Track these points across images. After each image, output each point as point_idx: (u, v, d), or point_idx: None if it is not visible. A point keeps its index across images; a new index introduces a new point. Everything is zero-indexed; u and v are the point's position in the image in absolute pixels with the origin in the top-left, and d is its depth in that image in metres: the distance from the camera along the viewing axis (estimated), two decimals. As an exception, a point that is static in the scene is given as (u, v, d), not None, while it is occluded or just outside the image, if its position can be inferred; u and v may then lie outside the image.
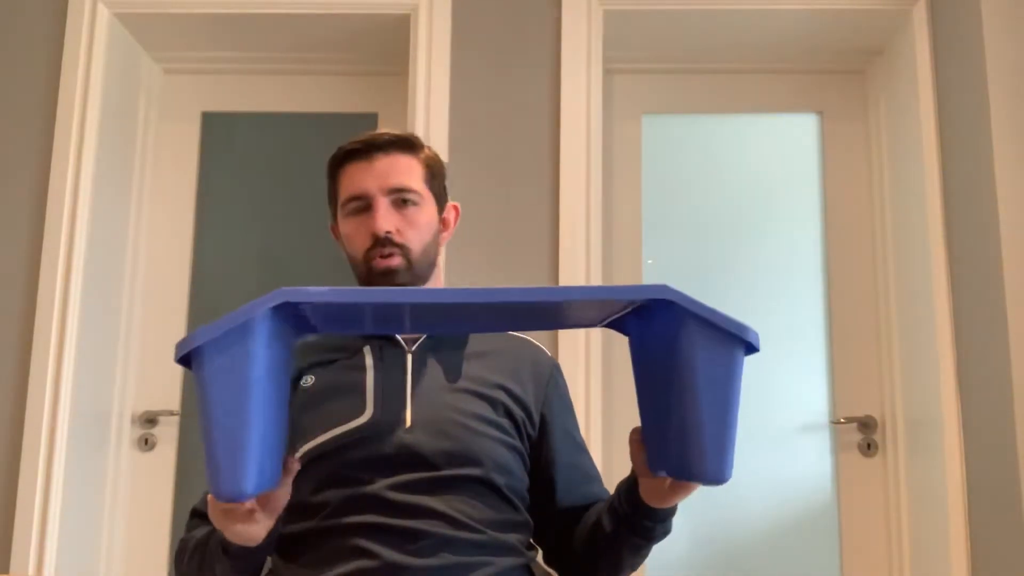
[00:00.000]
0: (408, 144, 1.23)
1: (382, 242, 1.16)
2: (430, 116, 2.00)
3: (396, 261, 1.16)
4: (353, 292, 0.79)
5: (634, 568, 1.12)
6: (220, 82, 2.33)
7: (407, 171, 1.20)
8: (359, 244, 1.18)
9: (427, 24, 2.04)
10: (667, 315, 0.78)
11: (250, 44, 2.23)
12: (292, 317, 0.81)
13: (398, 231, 1.17)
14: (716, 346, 0.76)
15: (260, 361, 0.73)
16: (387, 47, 2.21)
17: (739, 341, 0.75)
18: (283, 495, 0.92)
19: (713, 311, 0.74)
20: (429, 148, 1.26)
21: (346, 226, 1.21)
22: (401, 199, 1.19)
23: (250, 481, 0.75)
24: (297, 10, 2.07)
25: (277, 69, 2.31)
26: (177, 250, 2.27)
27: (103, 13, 2.07)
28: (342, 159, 1.21)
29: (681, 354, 0.79)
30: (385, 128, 1.25)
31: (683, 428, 0.83)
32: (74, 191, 2.00)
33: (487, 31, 2.07)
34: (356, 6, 2.08)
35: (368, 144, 1.20)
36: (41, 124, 2.03)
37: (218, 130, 2.34)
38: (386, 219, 1.17)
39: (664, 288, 0.72)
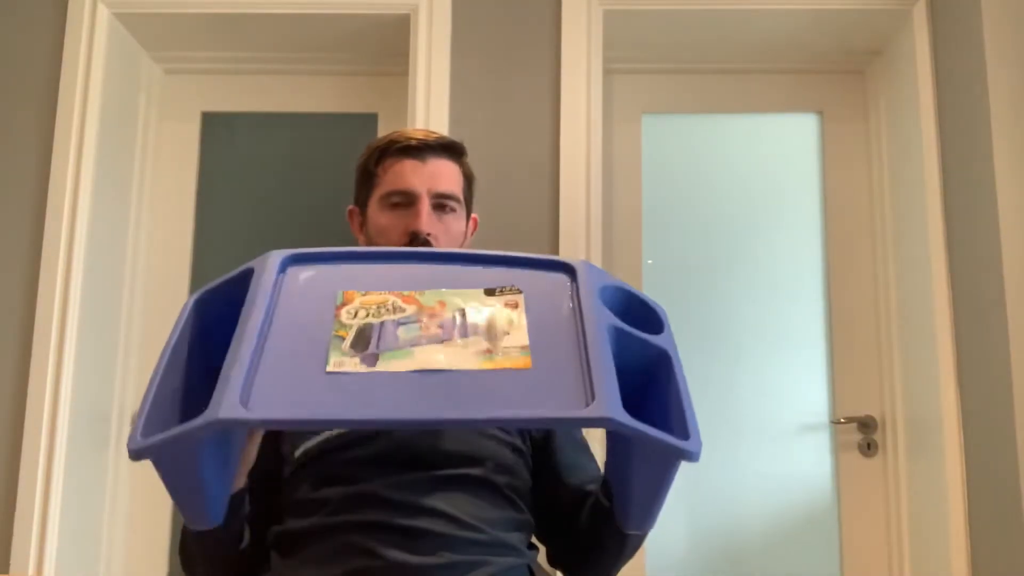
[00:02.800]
0: (456, 150, 1.25)
1: (420, 242, 1.17)
2: (430, 116, 2.01)
3: None
4: (290, 421, 0.79)
5: (639, 544, 1.12)
6: (220, 82, 2.33)
7: (451, 177, 1.23)
8: (393, 238, 1.19)
9: (427, 24, 2.05)
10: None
11: (250, 44, 2.23)
12: None
13: (435, 235, 1.19)
14: (655, 457, 0.77)
15: (207, 459, 0.76)
16: (387, 47, 2.21)
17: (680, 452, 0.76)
18: (245, 457, 0.94)
19: (654, 435, 0.73)
20: (467, 157, 1.28)
21: (381, 218, 1.21)
22: (442, 204, 1.21)
23: (215, 515, 0.83)
24: (297, 10, 2.07)
25: (277, 69, 2.31)
26: (177, 250, 2.27)
27: (103, 13, 2.07)
28: (394, 152, 1.21)
29: (623, 447, 0.81)
30: (387, 129, 1.26)
31: (615, 481, 0.86)
32: (74, 191, 2.00)
33: (487, 31, 2.07)
34: (356, 6, 2.08)
35: (422, 143, 1.21)
36: (41, 124, 2.03)
37: (218, 130, 2.34)
38: (428, 221, 1.18)
39: (607, 420, 0.71)
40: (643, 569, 2.08)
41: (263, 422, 0.73)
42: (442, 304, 0.83)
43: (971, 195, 1.87)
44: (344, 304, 0.83)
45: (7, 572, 1.86)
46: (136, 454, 0.72)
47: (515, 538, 1.09)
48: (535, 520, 1.16)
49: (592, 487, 1.17)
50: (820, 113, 2.29)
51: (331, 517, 1.04)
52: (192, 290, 2.25)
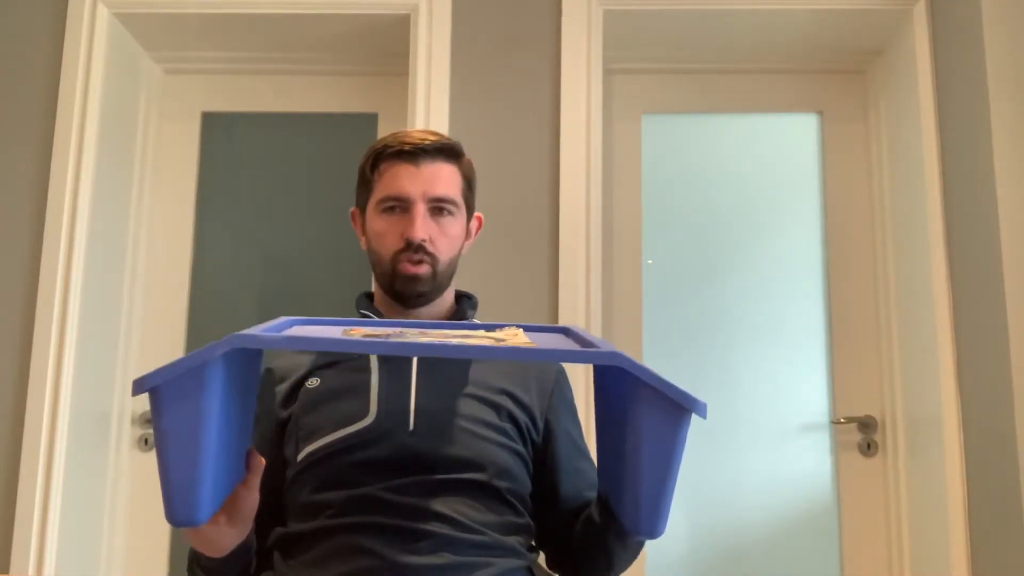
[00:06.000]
0: (453, 152, 1.23)
1: (415, 248, 1.17)
2: (430, 116, 2.01)
3: (424, 269, 1.18)
4: (304, 340, 0.80)
5: (629, 561, 1.12)
6: (220, 82, 2.33)
7: (448, 181, 1.21)
8: (389, 244, 1.19)
9: (427, 24, 2.05)
10: (622, 371, 0.80)
11: (250, 44, 2.23)
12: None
13: (431, 240, 1.18)
14: (663, 413, 0.78)
15: (214, 400, 0.75)
16: (387, 47, 2.21)
17: (686, 411, 0.77)
18: (249, 499, 0.92)
19: (663, 381, 0.75)
20: (467, 157, 1.27)
21: (378, 223, 1.20)
22: (439, 208, 1.20)
23: (203, 509, 0.77)
24: (297, 10, 2.07)
25: (277, 69, 2.31)
26: (177, 250, 2.27)
27: (103, 13, 2.07)
28: (388, 156, 1.20)
29: (629, 412, 0.81)
30: (387, 129, 1.25)
31: (623, 477, 0.85)
32: (74, 191, 2.00)
33: (487, 31, 2.07)
34: (356, 6, 2.08)
35: (417, 147, 1.20)
36: (41, 124, 2.03)
37: (218, 130, 2.34)
38: (423, 227, 1.17)
39: (615, 355, 0.73)
40: (643, 569, 2.08)
41: (276, 340, 0.75)
42: (445, 335, 0.89)
43: (971, 195, 1.87)
44: (350, 331, 0.89)
45: (7, 572, 1.86)
46: (140, 384, 0.72)
47: (515, 541, 1.09)
48: (535, 525, 1.16)
49: (590, 494, 1.18)
50: (820, 113, 2.29)
51: (333, 519, 1.04)
52: (192, 290, 2.25)
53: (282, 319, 0.95)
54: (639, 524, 0.81)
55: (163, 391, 0.73)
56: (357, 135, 2.28)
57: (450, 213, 1.21)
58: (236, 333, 0.74)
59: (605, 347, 0.80)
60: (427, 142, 1.21)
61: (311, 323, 0.98)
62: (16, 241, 1.99)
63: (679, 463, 0.80)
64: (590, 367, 0.81)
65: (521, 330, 0.92)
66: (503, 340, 0.85)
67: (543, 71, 2.05)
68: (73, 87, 2.03)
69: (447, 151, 1.22)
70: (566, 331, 0.96)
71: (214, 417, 0.75)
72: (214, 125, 2.34)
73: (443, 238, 1.20)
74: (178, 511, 0.76)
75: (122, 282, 2.18)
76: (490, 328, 0.97)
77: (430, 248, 1.18)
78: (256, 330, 0.83)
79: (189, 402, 0.74)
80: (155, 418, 0.74)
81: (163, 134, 2.31)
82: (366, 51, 2.25)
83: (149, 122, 2.29)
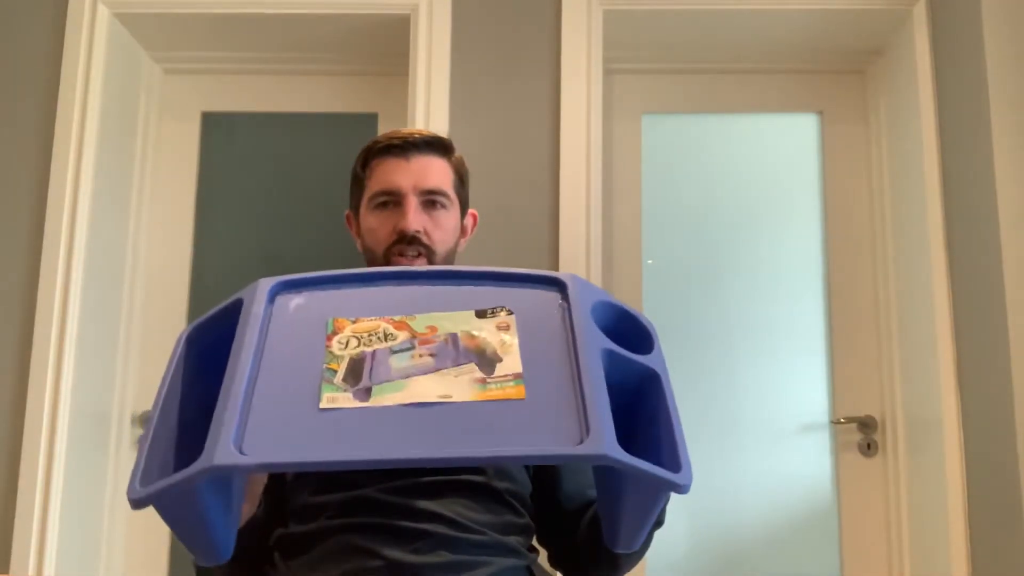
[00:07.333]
0: (443, 147, 1.24)
1: (409, 240, 1.17)
2: (430, 116, 2.01)
3: (420, 263, 1.17)
4: (285, 465, 0.77)
5: (635, 560, 1.12)
6: (220, 82, 2.33)
7: (440, 173, 1.21)
8: (382, 238, 1.19)
9: (427, 24, 2.05)
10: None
11: (250, 44, 2.23)
12: None
13: (425, 232, 1.18)
14: (646, 488, 0.77)
15: (208, 499, 0.75)
16: (387, 47, 2.21)
17: (672, 485, 0.74)
18: (253, 486, 0.93)
19: (648, 470, 0.72)
20: (459, 154, 1.27)
21: (370, 219, 1.21)
22: (431, 201, 1.20)
23: (225, 551, 0.79)
24: (297, 10, 2.07)
25: (277, 69, 2.31)
26: (177, 250, 2.27)
27: (103, 13, 2.07)
28: (377, 152, 1.21)
29: (613, 473, 0.79)
30: (387, 129, 1.25)
31: (604, 506, 0.85)
32: (74, 191, 2.00)
33: (487, 31, 2.07)
34: (356, 6, 2.08)
35: (406, 142, 1.20)
36: (41, 124, 2.03)
37: (218, 130, 2.34)
38: (416, 218, 1.17)
39: (604, 456, 0.70)
40: (644, 570, 2.08)
41: (258, 467, 0.71)
42: (433, 329, 0.82)
43: (971, 195, 1.87)
44: (335, 333, 0.82)
45: (7, 572, 1.86)
46: (136, 503, 0.72)
47: (514, 540, 1.09)
48: (536, 524, 1.16)
49: (592, 492, 1.17)
50: (820, 113, 2.30)
51: (332, 520, 1.04)
52: (192, 290, 2.25)
53: (264, 285, 0.89)
54: (616, 544, 0.83)
55: (155, 503, 0.74)
56: (357, 135, 2.27)
57: (443, 206, 1.21)
58: (215, 463, 0.68)
59: (596, 385, 0.76)
60: (416, 137, 1.22)
61: (297, 284, 0.91)
62: (16, 241, 1.99)
63: (657, 512, 0.81)
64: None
65: (513, 319, 0.84)
66: (502, 340, 0.82)
67: (543, 71, 2.05)
68: (73, 87, 2.03)
69: (436, 145, 1.23)
70: (562, 288, 0.90)
71: (212, 505, 0.76)
72: (214, 125, 2.34)
73: (437, 230, 1.20)
74: (204, 558, 0.80)
75: (122, 282, 2.18)
76: (481, 312, 0.89)
77: (425, 240, 1.18)
78: (256, 324, 0.81)
79: (186, 504, 0.75)
80: (158, 512, 0.75)
81: (163, 134, 2.31)
82: (366, 51, 2.25)
83: (149, 122, 2.29)
